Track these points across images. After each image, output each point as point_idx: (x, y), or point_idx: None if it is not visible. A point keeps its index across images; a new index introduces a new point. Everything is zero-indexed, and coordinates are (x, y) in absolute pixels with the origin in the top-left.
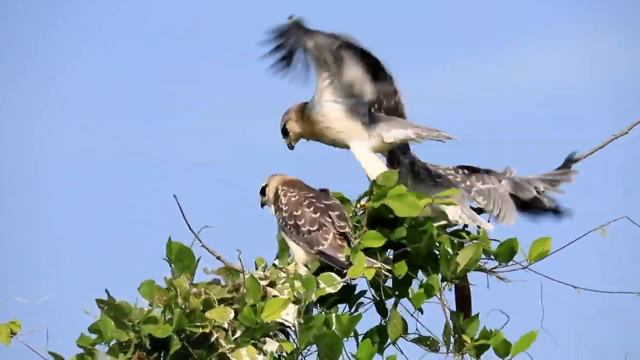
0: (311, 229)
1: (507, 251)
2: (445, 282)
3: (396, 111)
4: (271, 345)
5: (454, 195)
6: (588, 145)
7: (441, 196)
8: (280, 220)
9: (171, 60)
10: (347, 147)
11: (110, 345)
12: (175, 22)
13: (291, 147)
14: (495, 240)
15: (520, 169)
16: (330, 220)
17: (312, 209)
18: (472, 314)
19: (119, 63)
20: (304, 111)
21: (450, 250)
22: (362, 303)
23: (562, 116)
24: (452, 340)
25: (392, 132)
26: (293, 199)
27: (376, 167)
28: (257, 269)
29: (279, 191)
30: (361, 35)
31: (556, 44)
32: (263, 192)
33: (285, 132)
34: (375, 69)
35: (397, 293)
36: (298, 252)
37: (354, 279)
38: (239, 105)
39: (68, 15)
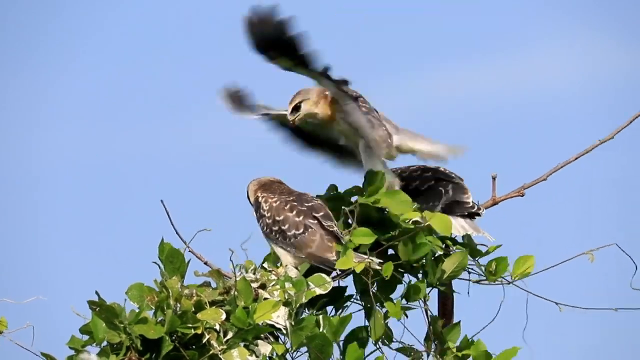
0: (297, 232)
1: (499, 269)
2: (430, 288)
3: None
4: (264, 348)
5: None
6: (577, 148)
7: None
8: (264, 228)
9: (170, 59)
10: (355, 143)
11: (102, 346)
12: (175, 21)
13: (293, 124)
14: (482, 244)
15: (515, 171)
16: (316, 222)
17: (294, 212)
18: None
19: (118, 63)
20: (327, 93)
21: (437, 256)
22: (348, 306)
23: (559, 117)
24: (433, 346)
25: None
26: (274, 204)
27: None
28: (247, 271)
29: (259, 198)
30: (357, 41)
31: (553, 45)
32: (249, 200)
33: (296, 109)
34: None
35: (381, 295)
36: (286, 257)
37: (342, 276)
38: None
39: (67, 15)
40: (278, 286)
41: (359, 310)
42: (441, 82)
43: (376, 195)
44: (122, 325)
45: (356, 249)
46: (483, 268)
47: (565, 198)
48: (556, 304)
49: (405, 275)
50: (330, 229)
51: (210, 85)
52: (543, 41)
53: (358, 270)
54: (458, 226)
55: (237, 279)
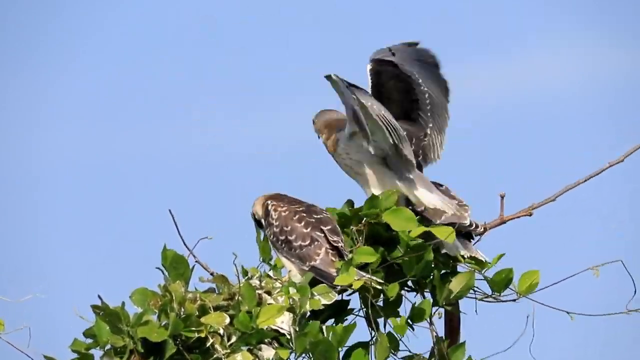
0: (303, 244)
1: (504, 281)
2: (437, 308)
3: (419, 155)
4: (267, 352)
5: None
6: (585, 163)
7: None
8: (271, 236)
9: (170, 59)
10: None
11: (105, 349)
12: (175, 21)
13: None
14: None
15: (515, 171)
16: (322, 235)
17: (303, 223)
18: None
19: (118, 63)
20: (334, 133)
21: (443, 276)
22: (347, 319)
23: (560, 117)
24: None
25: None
26: (283, 214)
27: None
28: (252, 277)
29: (269, 206)
30: (356, 41)
31: (553, 45)
32: (256, 220)
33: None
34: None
35: (385, 313)
36: (290, 267)
37: (346, 292)
38: (236, 103)
39: (67, 15)
40: (282, 292)
41: (361, 319)
42: None
43: (377, 209)
44: (126, 328)
45: (363, 268)
46: (489, 278)
47: (573, 217)
48: (567, 312)
49: (411, 294)
50: (336, 245)
51: (211, 85)
52: (543, 41)
53: (356, 288)
54: (452, 246)
55: (241, 284)
